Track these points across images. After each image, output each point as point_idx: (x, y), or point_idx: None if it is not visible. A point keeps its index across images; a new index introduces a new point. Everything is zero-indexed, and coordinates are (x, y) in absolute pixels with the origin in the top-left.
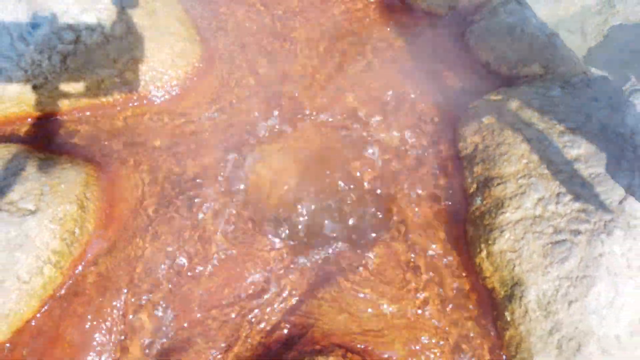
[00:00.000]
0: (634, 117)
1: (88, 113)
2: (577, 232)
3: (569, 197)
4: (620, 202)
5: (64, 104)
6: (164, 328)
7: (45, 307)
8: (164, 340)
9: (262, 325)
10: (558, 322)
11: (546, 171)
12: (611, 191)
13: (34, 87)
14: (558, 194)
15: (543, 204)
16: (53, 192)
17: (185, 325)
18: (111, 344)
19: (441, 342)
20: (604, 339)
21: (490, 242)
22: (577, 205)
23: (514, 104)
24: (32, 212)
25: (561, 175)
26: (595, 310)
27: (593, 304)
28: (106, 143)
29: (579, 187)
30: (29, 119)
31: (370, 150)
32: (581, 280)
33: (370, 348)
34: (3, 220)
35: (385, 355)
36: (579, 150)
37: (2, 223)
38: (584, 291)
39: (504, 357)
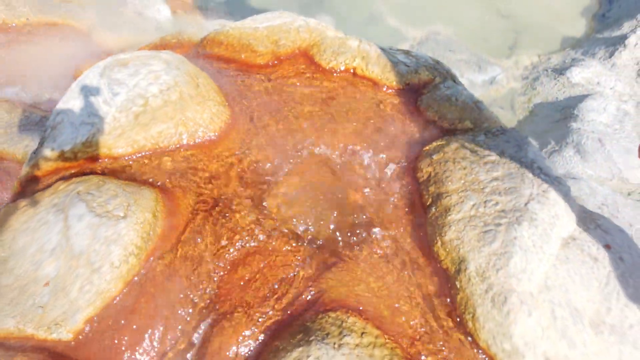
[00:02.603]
0: (533, 152)
1: (151, 154)
2: (499, 224)
3: (492, 202)
4: (525, 204)
5: (135, 148)
6: (212, 301)
7: (127, 288)
8: (213, 308)
9: (286, 298)
10: (490, 284)
11: (476, 187)
12: (520, 197)
13: (115, 136)
14: (485, 201)
15: (476, 207)
16: (136, 205)
17: (231, 296)
18: (175, 314)
19: (414, 309)
20: (521, 294)
21: (442, 235)
22: (498, 207)
23: (453, 146)
24: (123, 218)
25: (486, 189)
26: (514, 274)
27: (512, 270)
28: (165, 175)
29: (498, 196)
30: (111, 159)
31: (358, 179)
32: (503, 255)
33: (363, 309)
34: (104, 223)
35: (374, 313)
36: (497, 173)
37: (103, 225)
38: (505, 262)
39: (457, 315)
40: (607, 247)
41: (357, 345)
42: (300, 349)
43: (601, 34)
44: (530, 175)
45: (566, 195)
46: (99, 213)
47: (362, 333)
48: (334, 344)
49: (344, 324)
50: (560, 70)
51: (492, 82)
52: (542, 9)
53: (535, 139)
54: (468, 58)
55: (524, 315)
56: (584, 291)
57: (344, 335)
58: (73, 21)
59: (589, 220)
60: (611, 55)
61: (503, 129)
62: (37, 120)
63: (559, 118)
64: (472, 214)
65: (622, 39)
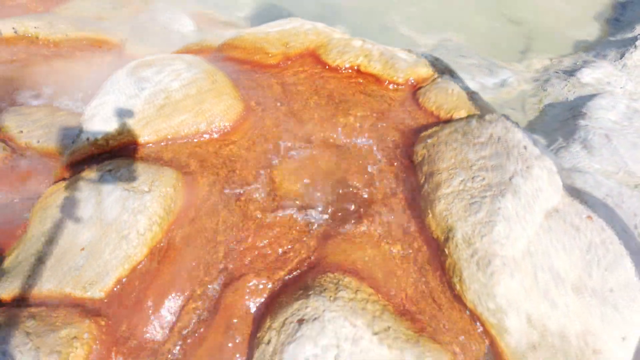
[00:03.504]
0: (520, 133)
1: (172, 141)
2: (484, 197)
3: (479, 178)
4: (510, 179)
5: (159, 136)
6: (229, 264)
7: (151, 254)
8: (226, 271)
9: (290, 263)
10: (475, 249)
11: (465, 165)
12: (505, 173)
13: (142, 126)
14: (473, 177)
15: (464, 183)
16: (159, 181)
17: (242, 262)
18: (192, 276)
19: (407, 273)
20: (504, 258)
21: (433, 207)
22: (484, 182)
23: (446, 131)
24: (147, 192)
25: (474, 167)
26: (497, 241)
27: (496, 237)
28: (184, 159)
29: (485, 172)
30: (138, 145)
31: (360, 161)
32: (488, 223)
33: (359, 272)
34: (131, 197)
35: (368, 276)
36: (485, 152)
37: (131, 198)
38: (489, 229)
39: (446, 280)
40: (589, 218)
41: (351, 299)
42: (300, 301)
43: (614, 37)
44: (516, 153)
45: (551, 171)
46: (126, 188)
47: (357, 290)
48: (330, 297)
49: (340, 282)
50: (571, 72)
51: (503, 85)
52: (554, 15)
53: (545, 137)
54: (479, 62)
55: (507, 276)
56: (566, 258)
57: (340, 290)
58: (107, 36)
59: (574, 196)
60: (622, 56)
61: (494, 116)
62: (75, 121)
63: (569, 117)
64: (460, 189)
65: (634, 40)
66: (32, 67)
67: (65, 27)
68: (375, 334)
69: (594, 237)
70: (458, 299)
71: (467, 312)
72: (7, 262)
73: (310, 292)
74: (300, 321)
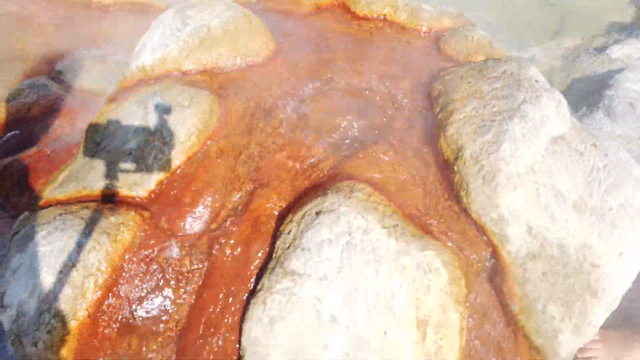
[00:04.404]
0: (533, 70)
1: (211, 71)
2: (494, 120)
3: (490, 106)
4: (518, 106)
5: (198, 66)
6: (258, 174)
7: (189, 161)
8: (253, 179)
9: (312, 176)
10: (482, 165)
11: (478, 95)
12: (514, 101)
13: (184, 55)
14: (484, 105)
15: (475, 109)
16: (198, 98)
17: (269, 173)
18: (224, 182)
19: (418, 188)
20: (508, 173)
21: (445, 131)
22: (494, 109)
23: (463, 69)
24: (188, 107)
25: (487, 96)
26: (503, 158)
27: (502, 154)
28: (220, 86)
29: (496, 101)
30: (180, 73)
31: (381, 99)
32: (495, 143)
33: (372, 183)
34: (175, 110)
35: (381, 187)
36: (498, 85)
37: (174, 112)
38: (496, 148)
39: (454, 195)
40: (593, 146)
41: (364, 200)
42: (319, 199)
43: None
44: (527, 85)
45: (559, 103)
46: (170, 102)
47: (370, 195)
48: (345, 196)
49: (355, 187)
50: (601, 49)
51: (531, 60)
52: None
53: (570, 107)
54: (509, 39)
55: (510, 189)
56: (568, 178)
57: (354, 192)
58: (153, 1)
59: (581, 128)
60: None
61: (509, 57)
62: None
63: (595, 89)
64: (471, 115)
65: None
66: (85, 26)
67: None
68: (385, 228)
69: (597, 162)
70: (464, 211)
71: (472, 223)
72: (65, 172)
73: (327, 192)
74: (318, 213)
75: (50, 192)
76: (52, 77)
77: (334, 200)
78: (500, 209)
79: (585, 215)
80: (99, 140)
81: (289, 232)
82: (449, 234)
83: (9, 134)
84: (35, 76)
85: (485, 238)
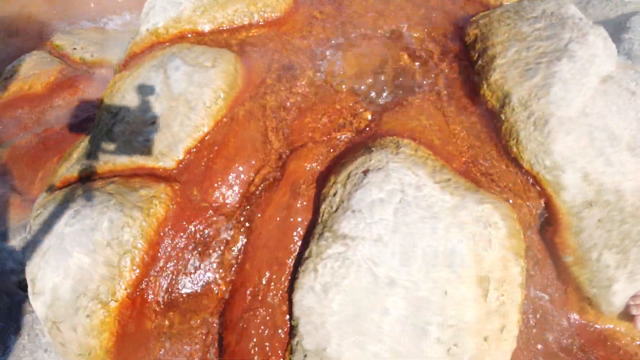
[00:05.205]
0: (573, 8)
1: (228, 29)
2: (540, 63)
3: (534, 47)
4: (565, 46)
5: (215, 24)
6: (291, 136)
7: (217, 126)
8: (286, 142)
9: (349, 133)
10: (532, 111)
11: (520, 37)
12: (560, 41)
13: (199, 14)
14: (528, 47)
15: (518, 52)
16: (220, 59)
17: (302, 133)
18: (256, 147)
19: (462, 141)
20: (560, 117)
21: (488, 78)
22: (539, 50)
23: (498, 12)
24: (211, 67)
25: (529, 38)
26: (554, 102)
27: (552, 98)
28: (240, 44)
29: (540, 42)
30: (196, 34)
31: (412, 48)
32: (544, 86)
33: (416, 137)
34: (197, 71)
35: (426, 141)
36: (539, 25)
37: (196, 73)
38: (546, 92)
39: (502, 145)
40: None
41: (411, 155)
42: (363, 157)
43: None
44: (571, 23)
45: (606, 39)
46: (192, 64)
47: (416, 150)
48: (392, 151)
49: (399, 142)
50: None
51: None
52: None
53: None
54: None
55: (563, 134)
56: (620, 119)
57: (400, 148)
58: None
59: (628, 65)
60: None
61: None
62: (125, 37)
63: (611, 33)
64: (515, 58)
65: None
66: None
67: None
68: (437, 183)
69: None
70: (514, 161)
71: (523, 174)
72: (79, 149)
73: (372, 149)
74: (365, 172)
75: (66, 170)
76: (49, 50)
77: (381, 157)
78: (554, 155)
79: None
80: (116, 111)
81: (334, 195)
82: (501, 185)
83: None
84: (32, 51)
85: (539, 188)
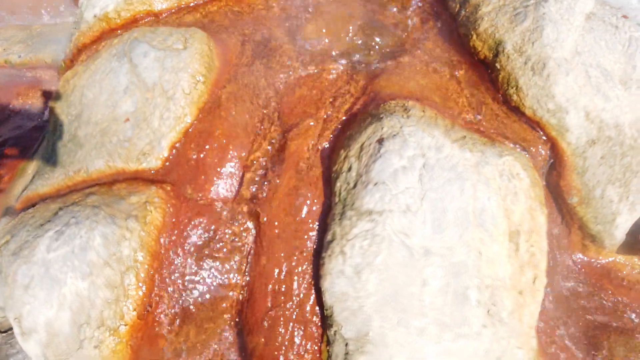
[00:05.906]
0: None
1: (189, 6)
2: (527, 6)
3: None
4: None
5: (172, 2)
6: (283, 114)
7: (201, 114)
8: (280, 122)
9: (346, 103)
10: (528, 55)
11: None
12: None
13: None
14: None
15: None
16: (192, 39)
17: (295, 110)
18: (248, 132)
19: (460, 96)
20: (557, 59)
21: (476, 28)
22: None
23: None
24: (184, 49)
25: None
26: (548, 44)
27: (546, 40)
28: (206, 22)
29: None
30: (153, 15)
31: (393, 7)
32: (536, 29)
33: (418, 98)
34: (168, 55)
35: (428, 101)
36: None
37: (168, 57)
38: (539, 34)
39: (500, 95)
40: (624, 17)
41: (422, 116)
42: (373, 125)
43: None
44: None
45: None
46: (161, 48)
47: (423, 110)
48: (402, 115)
49: (406, 105)
50: None
51: None
52: None
53: None
54: None
55: (563, 75)
56: (610, 54)
57: (409, 110)
58: None
59: (603, 1)
60: None
61: None
62: (55, 30)
63: None
64: (501, 4)
65: None
66: None
67: None
68: (455, 141)
69: (633, 32)
70: (516, 109)
71: (526, 121)
72: (36, 161)
73: (381, 116)
74: (380, 140)
75: (24, 188)
76: None
77: (393, 123)
78: (557, 97)
79: (632, 89)
80: (77, 113)
81: (349, 170)
82: (508, 136)
83: None
84: None
85: (543, 133)
